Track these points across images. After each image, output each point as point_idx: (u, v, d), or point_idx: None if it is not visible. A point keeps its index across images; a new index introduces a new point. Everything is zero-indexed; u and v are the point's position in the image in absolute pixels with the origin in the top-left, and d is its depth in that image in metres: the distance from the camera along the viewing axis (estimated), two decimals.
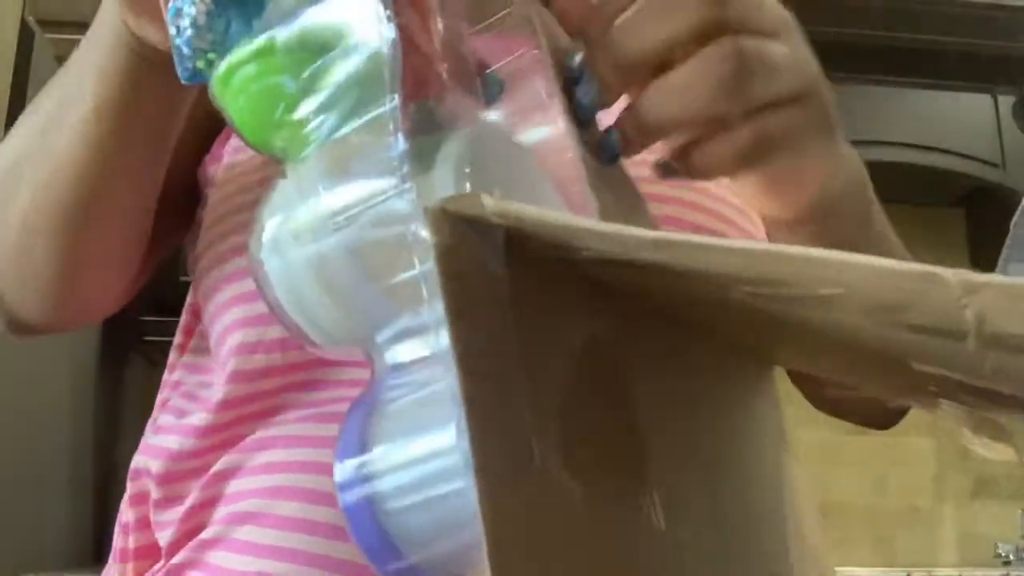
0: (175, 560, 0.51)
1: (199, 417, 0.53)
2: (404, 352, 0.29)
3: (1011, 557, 2.22)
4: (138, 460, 0.55)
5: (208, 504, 0.51)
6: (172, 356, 0.60)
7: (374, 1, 0.29)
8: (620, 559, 0.25)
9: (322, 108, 0.31)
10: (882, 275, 0.19)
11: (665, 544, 0.26)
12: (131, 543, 0.54)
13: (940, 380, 0.23)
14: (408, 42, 0.31)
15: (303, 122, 0.31)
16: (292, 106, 0.31)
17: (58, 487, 1.85)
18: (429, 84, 0.33)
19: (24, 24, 1.74)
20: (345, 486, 0.29)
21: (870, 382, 0.29)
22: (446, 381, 0.25)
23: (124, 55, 0.48)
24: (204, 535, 0.50)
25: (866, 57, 2.18)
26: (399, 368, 0.29)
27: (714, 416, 0.31)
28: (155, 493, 0.53)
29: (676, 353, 0.29)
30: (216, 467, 0.51)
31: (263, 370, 0.51)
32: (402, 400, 0.29)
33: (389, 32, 0.29)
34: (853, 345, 0.23)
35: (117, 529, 0.56)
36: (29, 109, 0.56)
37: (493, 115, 0.36)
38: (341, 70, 0.30)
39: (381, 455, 0.28)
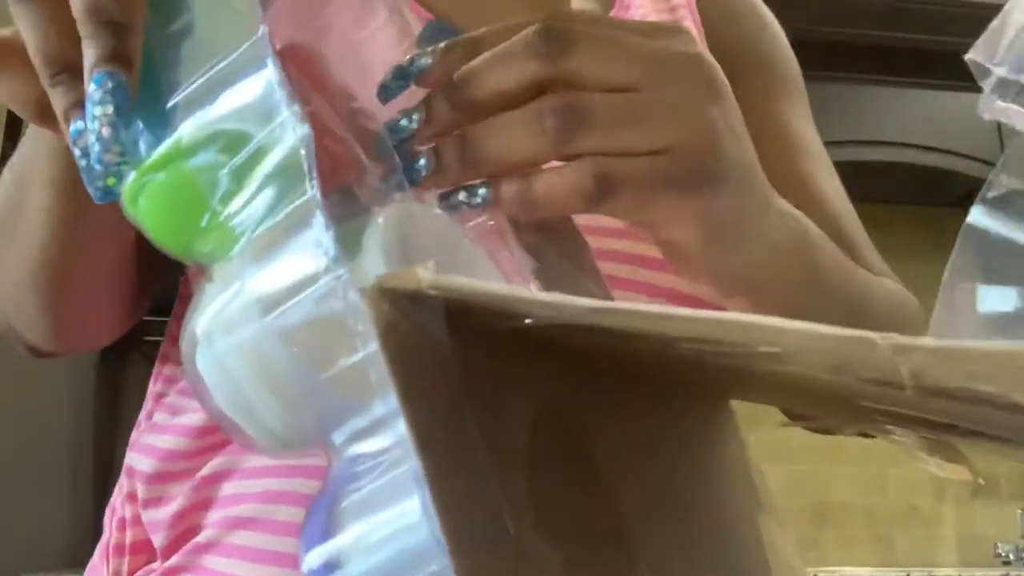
0: (169, 563, 0.50)
1: (192, 417, 0.52)
2: (362, 444, 0.28)
3: (1011, 557, 2.22)
4: (131, 457, 0.55)
5: (201, 506, 0.51)
6: (165, 345, 0.60)
7: (281, 93, 0.29)
8: None
9: (242, 207, 0.30)
10: (815, 339, 0.19)
11: None
12: (127, 539, 0.54)
13: (890, 414, 0.23)
14: (321, 128, 0.31)
15: (223, 224, 0.30)
16: (210, 209, 0.30)
17: (58, 487, 1.84)
18: (347, 167, 0.33)
19: None
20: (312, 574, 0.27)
21: (823, 415, 0.30)
22: (408, 462, 0.24)
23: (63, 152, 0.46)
24: (199, 539, 0.50)
25: (865, 57, 2.18)
26: (359, 457, 0.28)
27: (676, 455, 0.31)
28: (142, 493, 0.53)
29: (629, 401, 0.29)
30: (207, 469, 0.51)
31: None
32: (366, 487, 0.27)
33: (300, 124, 0.28)
34: (802, 388, 0.23)
35: (111, 524, 0.56)
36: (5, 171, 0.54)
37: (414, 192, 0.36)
38: (256, 167, 0.30)
39: (348, 541, 0.27)
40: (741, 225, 0.40)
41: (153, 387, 0.58)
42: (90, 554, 0.58)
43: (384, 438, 0.27)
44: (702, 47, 0.40)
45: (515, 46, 0.36)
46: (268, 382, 0.29)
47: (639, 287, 0.52)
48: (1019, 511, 2.27)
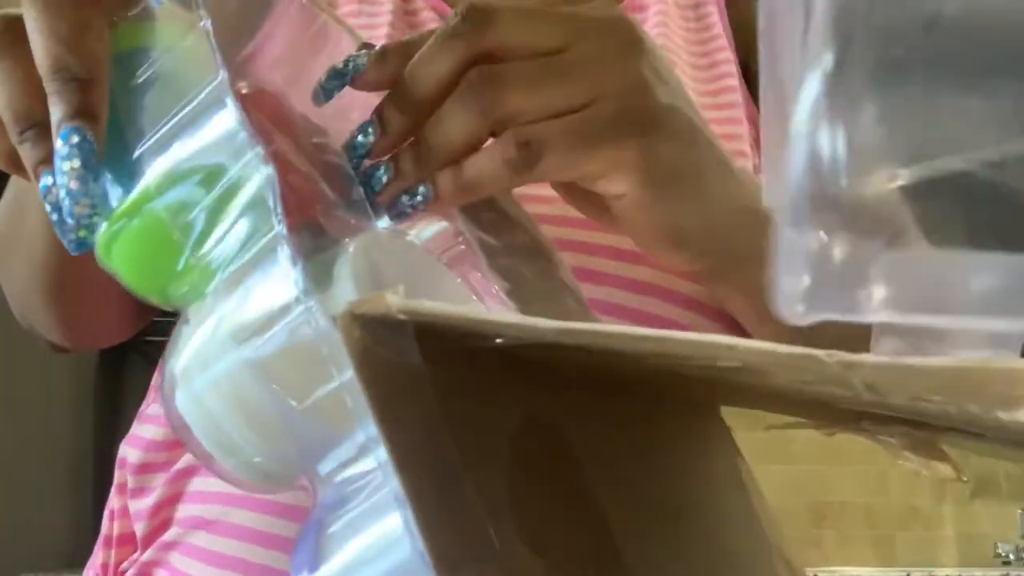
0: (144, 557, 0.51)
1: None
2: (345, 471, 0.29)
3: (1011, 557, 2.22)
4: (123, 448, 0.55)
5: (173, 500, 0.51)
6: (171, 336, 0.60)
7: (244, 134, 0.29)
8: None
9: (213, 247, 0.31)
10: (766, 356, 0.19)
11: None
12: (115, 530, 0.54)
13: (870, 416, 0.23)
14: (284, 166, 0.31)
15: (196, 265, 0.31)
16: (182, 252, 0.31)
17: (58, 487, 1.85)
18: (313, 201, 0.34)
19: None
20: None
21: (804, 418, 0.30)
22: (391, 484, 0.24)
23: None
24: (166, 536, 0.50)
25: None
26: (345, 482, 0.29)
27: (662, 461, 0.31)
28: (130, 482, 0.53)
29: (609, 409, 0.29)
30: (182, 462, 0.51)
31: None
32: (352, 511, 0.28)
33: (264, 163, 0.29)
34: (779, 395, 0.23)
35: (105, 515, 0.56)
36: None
37: (381, 221, 0.37)
38: (224, 207, 0.30)
39: (337, 567, 0.27)
40: (692, 180, 0.40)
41: (155, 378, 0.58)
42: (90, 554, 0.58)
43: (366, 463, 0.27)
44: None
45: (442, 34, 0.37)
46: (246, 416, 0.29)
47: (619, 281, 0.52)
48: (1019, 511, 2.27)
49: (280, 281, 0.28)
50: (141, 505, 0.52)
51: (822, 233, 0.20)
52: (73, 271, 0.52)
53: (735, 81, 0.58)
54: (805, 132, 0.20)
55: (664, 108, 0.39)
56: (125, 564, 0.53)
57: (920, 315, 0.19)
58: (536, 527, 0.24)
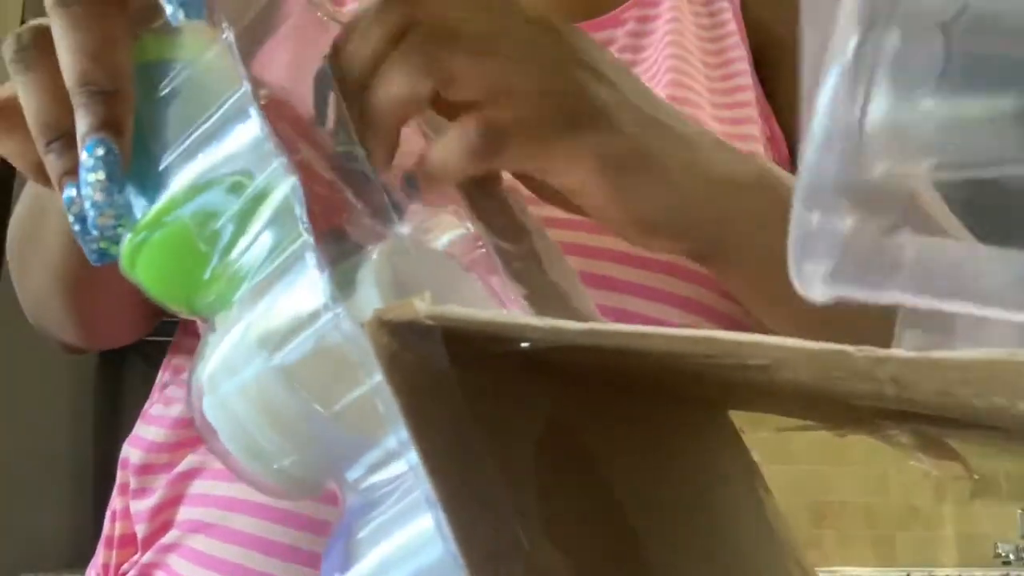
0: (144, 559, 0.51)
1: (177, 409, 0.53)
2: (374, 476, 0.29)
3: (1011, 557, 2.23)
4: (125, 448, 0.55)
5: (174, 502, 0.51)
6: (177, 335, 0.60)
7: (268, 144, 0.30)
8: None
9: (239, 256, 0.31)
10: (797, 353, 0.20)
11: None
12: (116, 531, 0.54)
13: (884, 412, 0.23)
14: (308, 174, 0.32)
15: (222, 274, 0.31)
16: (208, 261, 0.31)
17: (58, 487, 1.85)
18: (337, 209, 0.34)
19: (24, 24, 1.74)
20: None
21: (818, 420, 0.30)
22: (421, 487, 0.25)
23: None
24: (166, 539, 0.50)
25: None
26: (373, 487, 0.29)
27: (680, 464, 0.31)
28: (132, 483, 0.53)
29: (630, 412, 0.29)
30: (183, 465, 0.51)
31: None
32: (381, 515, 0.28)
33: (289, 172, 0.30)
34: (795, 394, 0.23)
35: (107, 515, 0.56)
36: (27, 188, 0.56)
37: (404, 227, 0.37)
38: (250, 217, 0.31)
39: (367, 569, 0.27)
40: (648, 167, 0.40)
41: (161, 377, 0.58)
42: (90, 554, 0.58)
43: (395, 467, 0.28)
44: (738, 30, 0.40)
45: (371, 9, 0.38)
46: (274, 421, 0.29)
47: (626, 286, 0.52)
48: (1019, 511, 2.27)
49: (308, 288, 0.29)
50: (142, 506, 0.52)
51: (844, 215, 0.20)
52: (89, 276, 0.52)
53: (748, 80, 0.58)
54: (828, 116, 0.20)
55: (603, 104, 0.39)
56: (126, 566, 0.53)
57: (941, 300, 0.20)
58: (562, 527, 0.24)
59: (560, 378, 0.26)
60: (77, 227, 0.33)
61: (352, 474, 0.29)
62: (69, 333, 0.58)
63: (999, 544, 2.26)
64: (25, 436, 1.67)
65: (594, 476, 0.27)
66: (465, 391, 0.22)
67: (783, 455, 2.26)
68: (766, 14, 0.62)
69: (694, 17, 0.61)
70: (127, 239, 0.33)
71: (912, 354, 0.18)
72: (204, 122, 0.32)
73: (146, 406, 0.58)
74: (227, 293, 0.31)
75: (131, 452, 0.54)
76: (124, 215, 0.32)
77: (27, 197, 0.55)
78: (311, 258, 0.28)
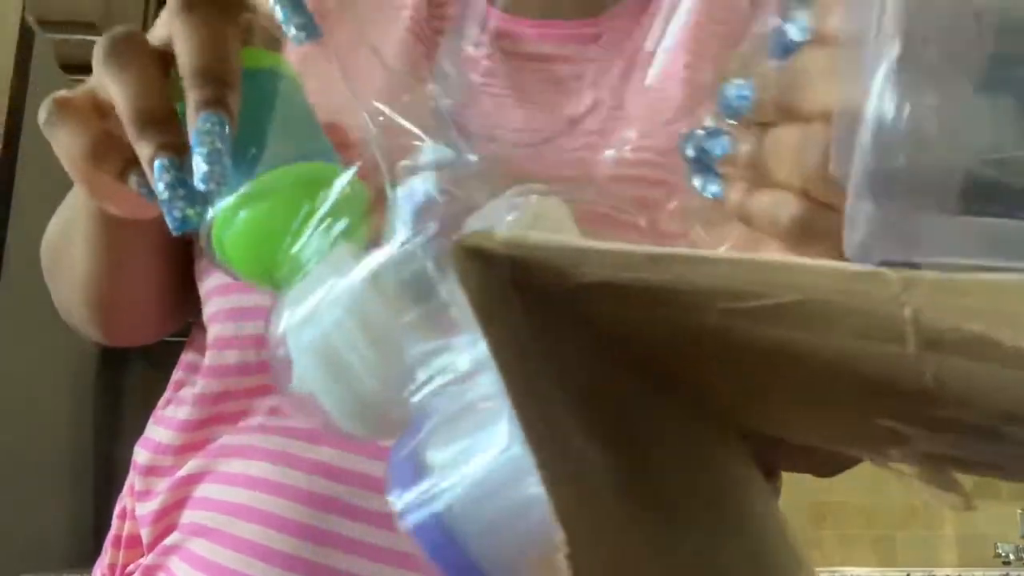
0: (148, 561, 0.51)
1: (184, 411, 0.53)
2: (442, 378, 0.31)
3: (1011, 557, 2.22)
4: (136, 448, 0.56)
5: (177, 505, 0.52)
6: (193, 331, 0.60)
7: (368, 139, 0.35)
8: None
9: (321, 236, 0.35)
10: (829, 275, 0.22)
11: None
12: (124, 531, 0.54)
13: (897, 433, 0.24)
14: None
15: (303, 250, 0.35)
16: (294, 239, 0.35)
17: (58, 487, 1.85)
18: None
19: (24, 24, 1.74)
20: (409, 509, 0.29)
21: (830, 435, 0.31)
22: (479, 394, 0.28)
23: (100, 214, 0.51)
24: (168, 540, 0.51)
25: None
26: (439, 391, 0.31)
27: (710, 450, 0.32)
28: (137, 485, 0.53)
29: (663, 406, 0.30)
30: (185, 469, 0.51)
31: (237, 367, 0.50)
32: (447, 423, 0.30)
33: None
34: (811, 368, 0.24)
35: (116, 514, 0.56)
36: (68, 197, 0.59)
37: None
38: (334, 200, 0.35)
39: (441, 472, 0.29)
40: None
41: (175, 376, 0.58)
42: (90, 554, 0.58)
43: (463, 375, 0.30)
44: None
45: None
46: (367, 332, 0.32)
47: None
48: (1019, 511, 2.27)
49: (396, 219, 0.33)
50: (146, 509, 0.52)
51: (882, 199, 0.24)
52: (111, 290, 0.56)
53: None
54: (872, 113, 0.23)
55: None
56: (131, 567, 0.53)
57: (970, 257, 0.24)
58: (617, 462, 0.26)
59: (603, 344, 0.27)
60: (166, 194, 0.36)
61: (423, 374, 0.32)
62: (94, 336, 0.63)
63: (999, 544, 2.26)
64: (25, 436, 1.67)
65: (629, 436, 0.27)
66: (532, 321, 0.24)
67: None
68: None
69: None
70: (219, 211, 0.36)
71: (939, 275, 0.21)
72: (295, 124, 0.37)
73: (160, 403, 0.57)
74: (306, 263, 0.35)
75: (140, 453, 0.55)
76: (224, 184, 0.35)
77: (61, 214, 0.58)
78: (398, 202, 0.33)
